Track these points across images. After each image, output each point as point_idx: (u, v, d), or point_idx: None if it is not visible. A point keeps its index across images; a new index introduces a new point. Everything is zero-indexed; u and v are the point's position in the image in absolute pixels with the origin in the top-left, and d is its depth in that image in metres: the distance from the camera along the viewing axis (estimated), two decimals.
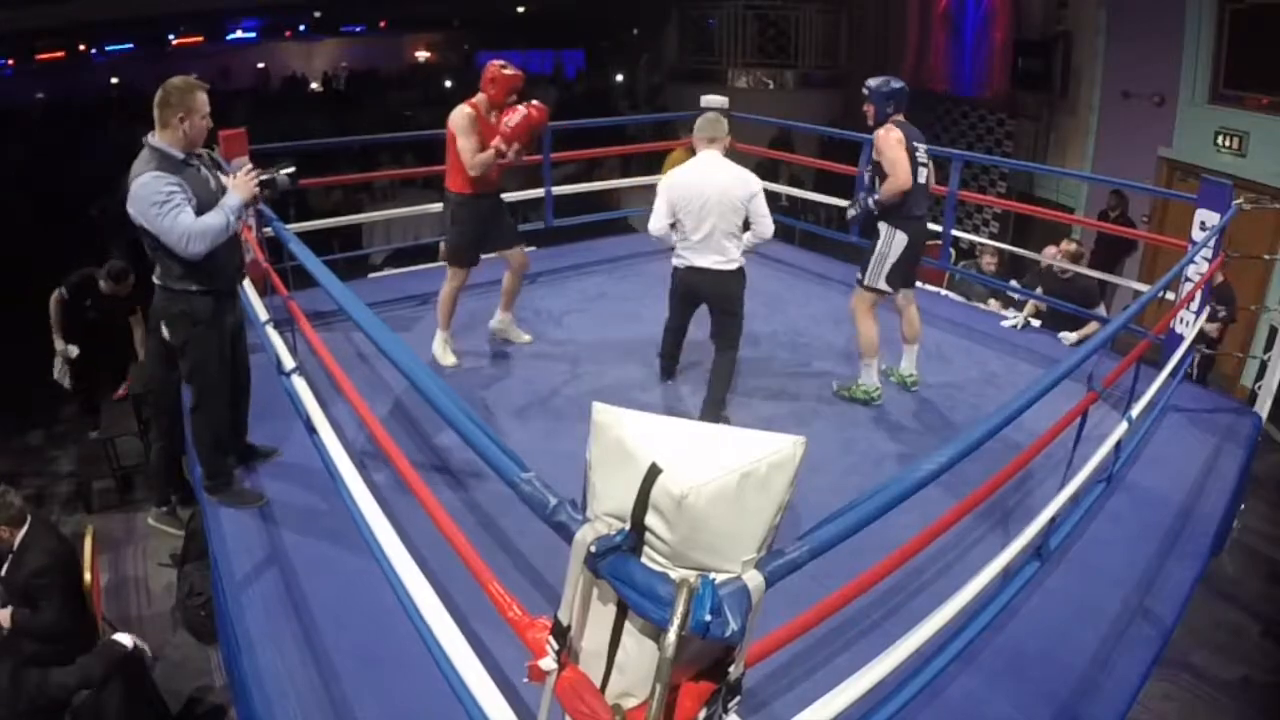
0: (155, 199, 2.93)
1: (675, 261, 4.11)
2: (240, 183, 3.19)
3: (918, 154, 4.23)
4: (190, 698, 4.31)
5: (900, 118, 4.24)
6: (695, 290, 4.11)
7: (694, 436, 1.38)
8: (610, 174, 9.98)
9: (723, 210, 3.90)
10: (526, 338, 5.13)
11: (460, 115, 4.37)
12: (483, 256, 4.84)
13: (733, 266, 4.01)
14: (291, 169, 3.48)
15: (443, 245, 4.64)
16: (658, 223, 4.05)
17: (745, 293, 4.14)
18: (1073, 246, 5.65)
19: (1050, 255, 5.64)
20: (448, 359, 4.79)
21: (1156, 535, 3.47)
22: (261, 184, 3.29)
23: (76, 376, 6.11)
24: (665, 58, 15.20)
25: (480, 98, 4.45)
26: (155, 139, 3.03)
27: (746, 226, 4.05)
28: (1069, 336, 5.39)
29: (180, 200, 2.96)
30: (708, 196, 3.89)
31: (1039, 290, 5.66)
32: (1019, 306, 5.85)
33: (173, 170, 3.00)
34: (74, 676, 3.46)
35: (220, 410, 3.46)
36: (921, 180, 4.24)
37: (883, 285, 4.32)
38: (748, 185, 3.94)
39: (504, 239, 4.76)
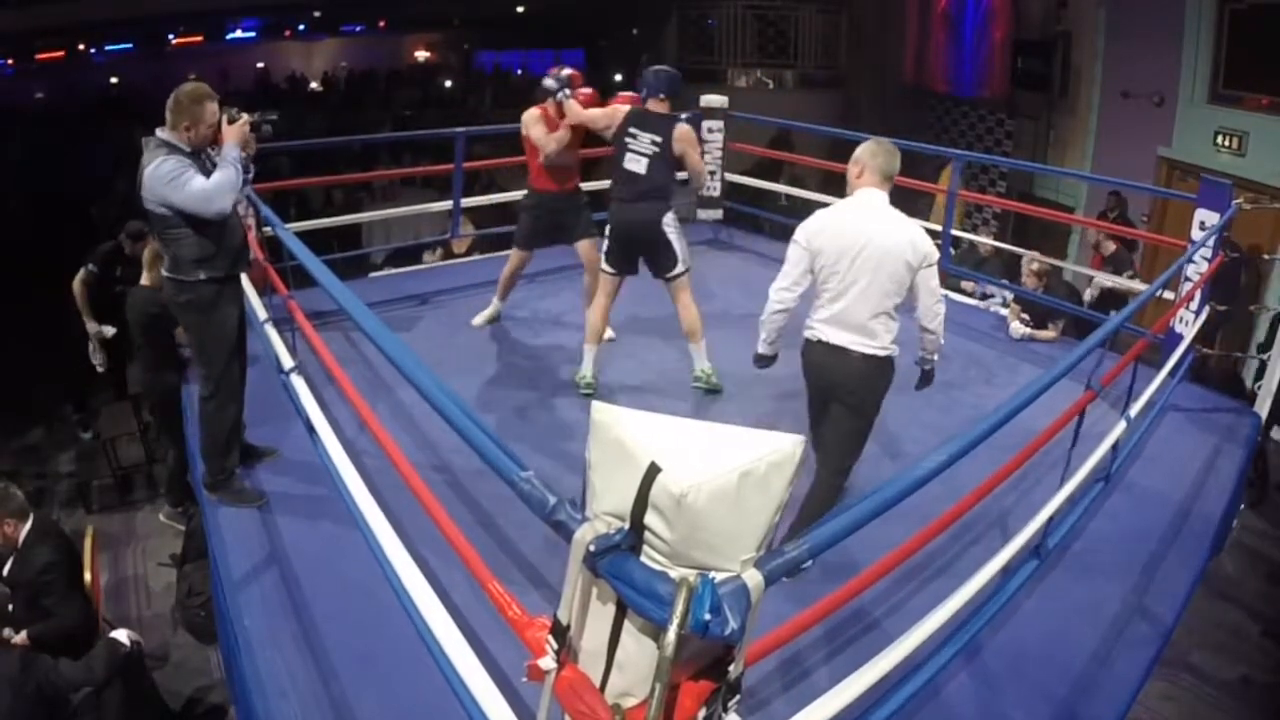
0: (167, 177, 3.09)
1: (806, 333, 3.12)
2: (231, 131, 3.27)
3: (629, 141, 4.27)
4: (190, 698, 4.31)
5: (650, 105, 4.33)
6: (823, 374, 3.10)
7: (693, 436, 1.38)
8: (603, 173, 9.97)
9: (880, 279, 2.89)
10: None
11: (528, 114, 4.76)
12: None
13: (882, 353, 2.99)
14: (273, 116, 3.59)
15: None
16: (783, 284, 3.07)
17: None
18: (1035, 265, 5.68)
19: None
20: (477, 319, 5.32)
21: (1156, 535, 3.47)
22: (251, 126, 3.39)
23: (111, 355, 6.02)
24: (665, 58, 15.20)
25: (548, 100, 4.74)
26: (164, 133, 3.18)
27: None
28: (1018, 328, 5.42)
29: (191, 171, 3.12)
30: (863, 255, 2.88)
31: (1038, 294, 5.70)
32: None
33: (182, 155, 3.16)
34: (80, 674, 3.47)
35: (230, 402, 3.48)
36: (627, 166, 4.29)
37: (604, 265, 4.45)
38: (921, 249, 2.90)
39: (569, 234, 4.92)
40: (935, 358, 3.22)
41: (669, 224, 4.35)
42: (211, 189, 3.12)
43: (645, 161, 4.27)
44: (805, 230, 3.00)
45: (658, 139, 4.25)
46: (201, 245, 3.22)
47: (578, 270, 6.43)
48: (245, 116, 3.32)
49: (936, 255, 2.96)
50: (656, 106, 4.32)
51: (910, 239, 2.90)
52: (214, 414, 3.45)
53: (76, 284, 5.61)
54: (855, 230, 2.90)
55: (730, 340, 5.19)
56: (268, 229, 4.47)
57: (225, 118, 3.28)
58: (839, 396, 3.08)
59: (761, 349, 3.31)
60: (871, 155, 2.98)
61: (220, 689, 4.27)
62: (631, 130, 4.29)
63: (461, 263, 6.86)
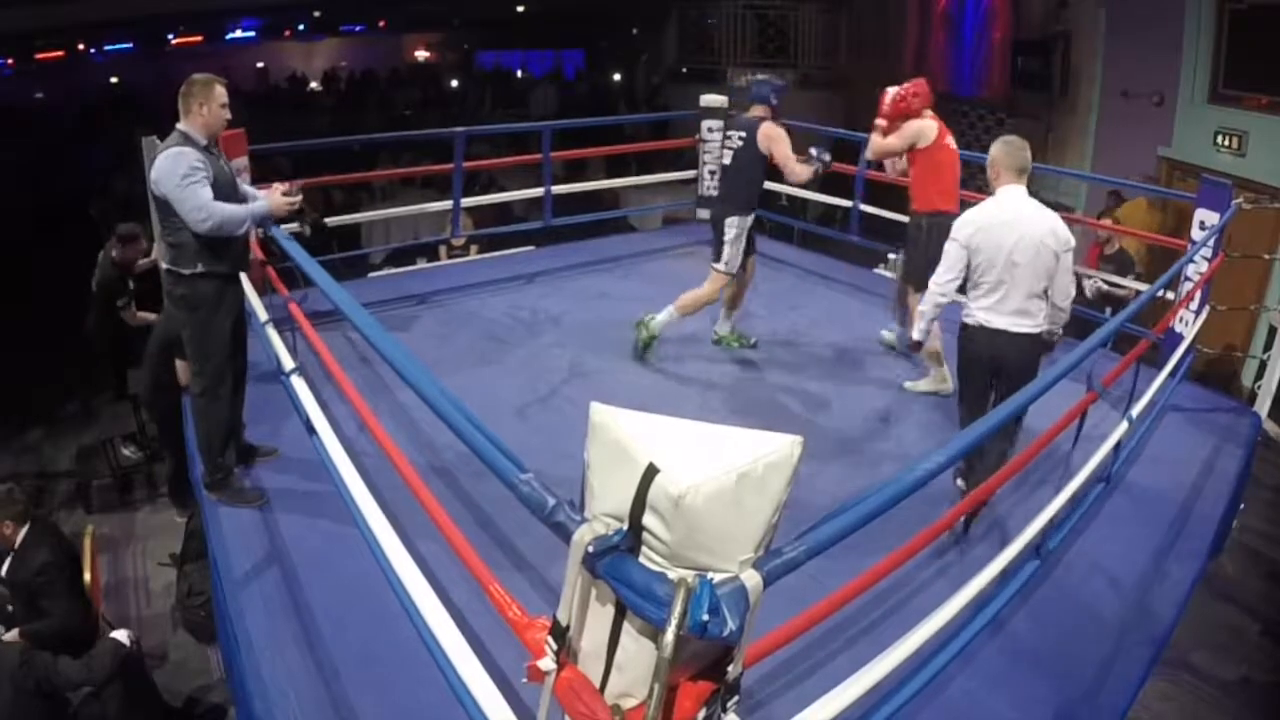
0: (181, 170, 3.14)
1: (966, 318, 3.44)
2: (278, 200, 3.39)
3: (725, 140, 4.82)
4: (190, 698, 4.31)
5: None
6: (994, 357, 3.36)
7: (691, 437, 1.38)
8: (596, 174, 9.99)
9: (1034, 267, 3.22)
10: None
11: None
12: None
13: (1037, 330, 3.34)
14: (307, 232, 3.80)
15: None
16: (947, 278, 3.37)
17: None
18: None
19: None
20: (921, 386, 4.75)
21: (1156, 535, 3.47)
22: (295, 213, 3.51)
23: (114, 354, 5.99)
24: (665, 57, 15.20)
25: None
26: (182, 125, 3.26)
27: None
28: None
29: (202, 177, 3.18)
30: (1015, 247, 3.21)
31: None
32: None
33: (198, 150, 3.22)
34: (80, 672, 3.48)
35: (223, 401, 3.48)
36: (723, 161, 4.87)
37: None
38: (1062, 237, 3.24)
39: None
40: (1059, 330, 3.49)
41: (731, 225, 4.70)
42: (214, 211, 3.15)
43: (731, 155, 4.77)
44: (962, 229, 3.34)
45: (744, 136, 4.68)
46: (201, 241, 3.23)
47: (578, 270, 6.49)
48: (300, 199, 3.44)
49: (1074, 242, 3.28)
50: (753, 111, 4.72)
51: (1052, 228, 3.23)
52: (205, 410, 3.46)
53: (130, 320, 5.59)
54: (1006, 227, 3.23)
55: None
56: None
57: (285, 186, 3.43)
58: (1005, 373, 3.34)
59: (919, 336, 3.65)
60: (1003, 155, 3.32)
61: (220, 689, 4.27)
62: (728, 132, 4.82)
63: (461, 263, 6.87)
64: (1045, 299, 3.30)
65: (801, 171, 4.61)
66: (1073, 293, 3.39)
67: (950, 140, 4.58)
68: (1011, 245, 3.21)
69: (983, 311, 3.34)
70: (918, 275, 4.34)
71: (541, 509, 1.52)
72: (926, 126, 4.51)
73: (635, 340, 4.84)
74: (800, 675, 2.64)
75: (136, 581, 5.20)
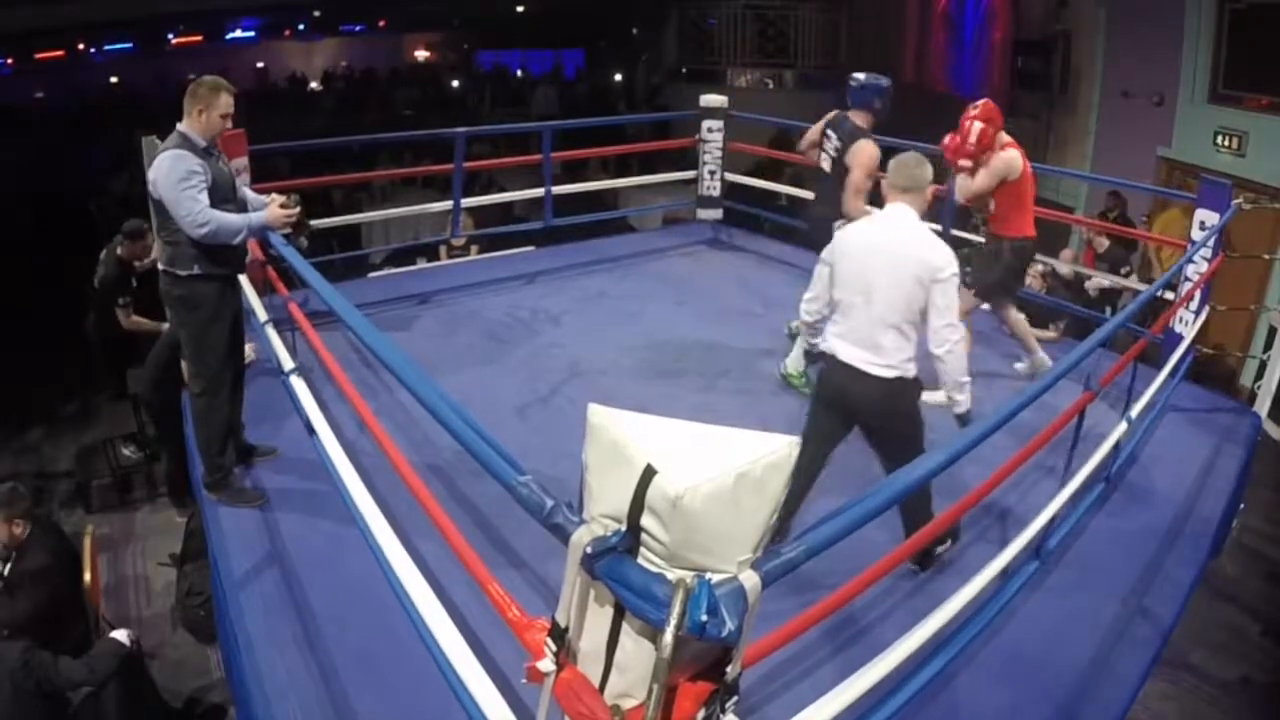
0: (180, 174, 3.13)
1: (822, 345, 3.08)
2: (276, 213, 3.36)
3: (824, 141, 4.48)
4: (190, 698, 4.31)
5: (850, 112, 4.41)
6: (841, 395, 2.98)
7: (689, 437, 1.38)
8: (597, 174, 10.00)
9: (888, 291, 2.80)
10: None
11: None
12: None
13: (890, 373, 2.87)
14: (304, 243, 3.78)
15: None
16: (807, 295, 3.15)
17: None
18: (1040, 268, 5.74)
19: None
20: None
21: (1156, 535, 3.47)
22: (293, 226, 3.48)
23: (113, 354, 5.97)
24: (665, 58, 15.20)
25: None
26: (182, 125, 3.25)
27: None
28: (1045, 334, 5.47)
29: (199, 182, 3.16)
30: (872, 268, 2.84)
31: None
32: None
33: (196, 154, 3.20)
34: (80, 672, 3.48)
35: (222, 401, 3.48)
36: (820, 164, 4.52)
37: None
38: (931, 263, 2.78)
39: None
40: (960, 397, 3.02)
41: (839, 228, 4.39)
42: (211, 219, 3.14)
43: (830, 162, 4.47)
44: (834, 245, 3.05)
45: (839, 145, 4.37)
46: (197, 244, 3.22)
47: (578, 270, 6.49)
48: (298, 211, 3.41)
49: (950, 271, 2.79)
50: (854, 116, 4.39)
51: (923, 253, 2.79)
52: (204, 411, 3.46)
53: (125, 322, 5.57)
54: (869, 244, 2.89)
55: (728, 339, 5.20)
56: None
57: (284, 198, 3.39)
58: (861, 422, 2.99)
59: (805, 347, 3.57)
60: (890, 170, 2.96)
61: (220, 689, 4.27)
62: (827, 131, 4.49)
63: (462, 263, 6.87)
64: (909, 339, 2.86)
65: (856, 208, 4.11)
66: (950, 339, 2.86)
67: (1027, 161, 4.39)
68: (869, 264, 2.85)
69: (834, 337, 2.97)
70: (999, 293, 4.57)
71: (540, 511, 1.52)
72: (1013, 159, 4.27)
73: (794, 387, 4.53)
74: (799, 676, 2.64)
75: (136, 581, 5.20)
